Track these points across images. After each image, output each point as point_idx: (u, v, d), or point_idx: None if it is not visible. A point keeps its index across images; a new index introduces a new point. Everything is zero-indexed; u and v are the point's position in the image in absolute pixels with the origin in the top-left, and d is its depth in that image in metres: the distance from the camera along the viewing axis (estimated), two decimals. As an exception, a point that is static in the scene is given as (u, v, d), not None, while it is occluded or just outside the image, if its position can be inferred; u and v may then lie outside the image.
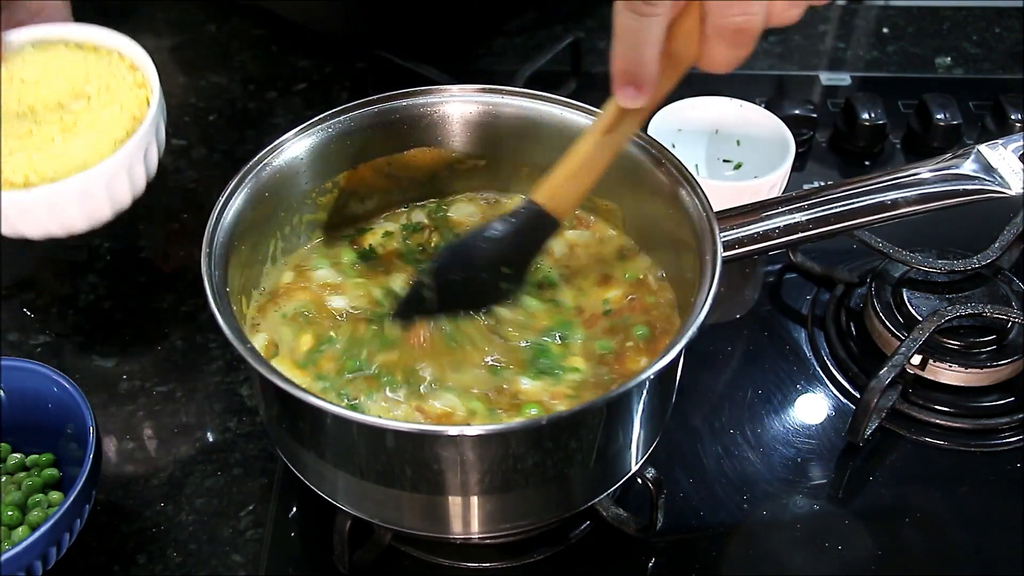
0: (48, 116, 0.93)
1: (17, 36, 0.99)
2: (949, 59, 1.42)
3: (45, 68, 0.97)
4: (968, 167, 0.87)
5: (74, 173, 0.90)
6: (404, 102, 0.91)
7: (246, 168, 0.83)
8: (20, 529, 0.82)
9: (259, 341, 0.83)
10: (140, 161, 0.95)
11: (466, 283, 0.81)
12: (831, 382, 1.00)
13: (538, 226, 0.80)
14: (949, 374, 0.97)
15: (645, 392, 0.74)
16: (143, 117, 0.95)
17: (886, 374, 0.92)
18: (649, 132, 1.00)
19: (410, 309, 0.82)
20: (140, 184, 0.96)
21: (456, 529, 0.76)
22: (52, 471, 0.87)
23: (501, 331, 0.83)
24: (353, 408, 0.78)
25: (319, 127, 0.88)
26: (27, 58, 0.98)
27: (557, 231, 0.82)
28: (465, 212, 0.96)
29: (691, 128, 1.15)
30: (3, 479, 0.86)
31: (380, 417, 0.76)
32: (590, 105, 0.89)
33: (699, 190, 0.81)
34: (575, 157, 0.77)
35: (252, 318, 0.85)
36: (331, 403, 0.68)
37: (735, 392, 0.98)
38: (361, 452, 0.73)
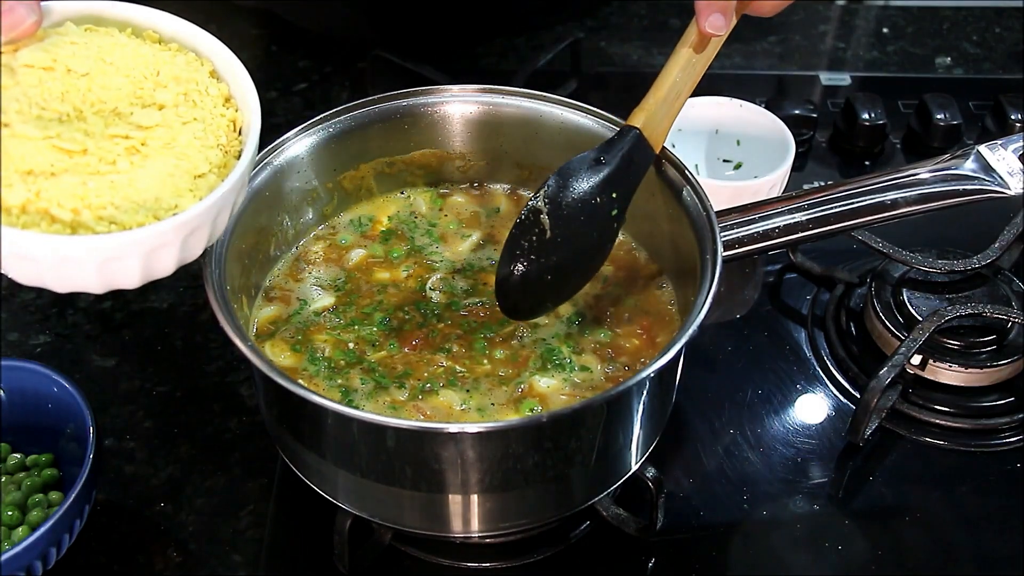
0: (102, 127, 0.68)
1: (60, 6, 0.72)
2: (949, 59, 1.42)
3: (98, 58, 0.71)
4: (968, 167, 0.87)
5: (144, 217, 0.66)
6: (404, 102, 0.91)
7: (246, 168, 0.83)
8: (20, 529, 0.82)
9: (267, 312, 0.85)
10: (229, 207, 0.71)
11: (581, 207, 0.79)
12: (831, 382, 1.00)
13: (639, 154, 0.81)
14: (949, 374, 0.97)
15: (645, 391, 0.74)
16: (233, 146, 0.72)
17: (886, 374, 0.92)
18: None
19: (524, 234, 0.79)
20: (217, 234, 0.72)
21: (456, 528, 0.76)
22: (52, 471, 0.87)
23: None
24: (348, 400, 0.78)
25: (319, 127, 0.88)
26: (74, 40, 0.71)
27: (652, 162, 0.82)
28: (460, 202, 0.96)
29: (691, 128, 1.15)
30: (3, 479, 0.86)
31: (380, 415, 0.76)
32: (590, 105, 0.89)
33: (699, 190, 0.81)
34: (666, 82, 0.80)
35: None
36: (331, 401, 0.68)
37: (735, 392, 0.98)
38: (361, 450, 0.73)
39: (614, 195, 0.80)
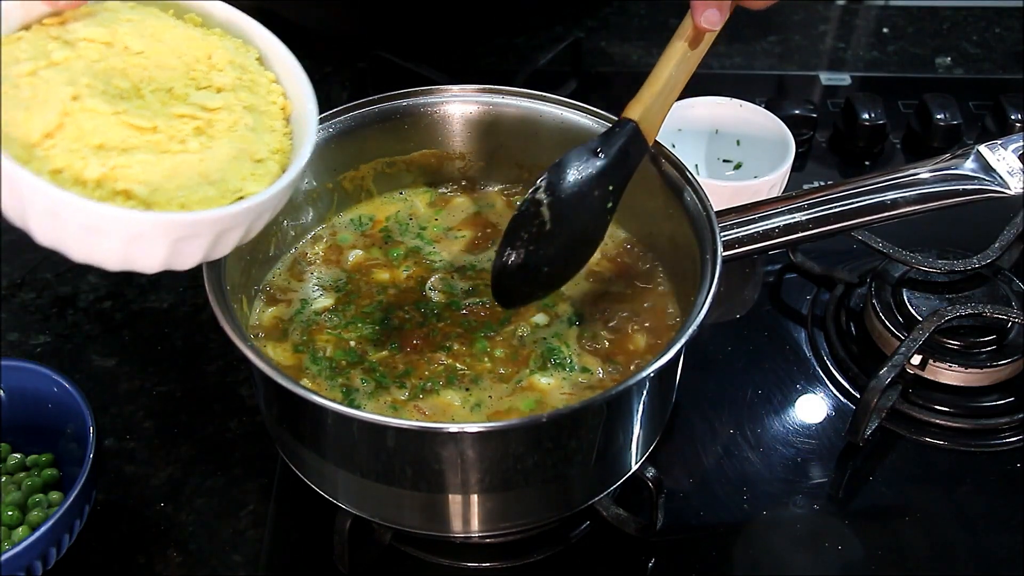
0: (160, 106, 0.67)
1: None
2: (949, 59, 1.42)
3: (152, 37, 0.69)
4: (967, 167, 0.87)
5: (213, 198, 0.64)
6: (404, 102, 0.91)
7: (246, 168, 0.83)
8: (20, 529, 0.82)
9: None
10: (281, 202, 0.69)
11: (580, 199, 0.79)
12: (831, 382, 1.00)
13: (635, 147, 0.81)
14: (949, 374, 0.97)
15: (645, 391, 0.74)
16: (285, 134, 0.71)
17: (886, 374, 0.92)
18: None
19: (524, 225, 0.79)
20: (253, 235, 0.69)
21: (456, 527, 0.76)
22: (52, 471, 0.87)
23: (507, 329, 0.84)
24: (350, 400, 0.78)
25: (319, 127, 0.87)
26: (129, 16, 0.69)
27: (645, 155, 0.82)
28: (460, 203, 0.96)
29: (691, 128, 1.15)
30: (3, 479, 0.86)
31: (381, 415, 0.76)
32: (590, 105, 0.89)
33: (699, 190, 0.81)
34: (661, 76, 0.80)
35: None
36: (331, 401, 0.68)
37: (735, 392, 0.98)
38: (362, 450, 0.73)
39: (610, 188, 0.80)
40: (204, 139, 0.66)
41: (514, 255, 0.78)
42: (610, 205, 0.80)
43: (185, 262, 0.65)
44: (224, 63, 0.71)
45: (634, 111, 0.80)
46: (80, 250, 0.63)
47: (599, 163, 0.79)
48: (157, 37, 0.70)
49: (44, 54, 0.65)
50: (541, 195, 0.78)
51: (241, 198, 0.65)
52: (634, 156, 0.81)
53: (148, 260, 0.63)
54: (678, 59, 0.80)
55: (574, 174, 0.79)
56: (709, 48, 0.81)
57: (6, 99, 0.62)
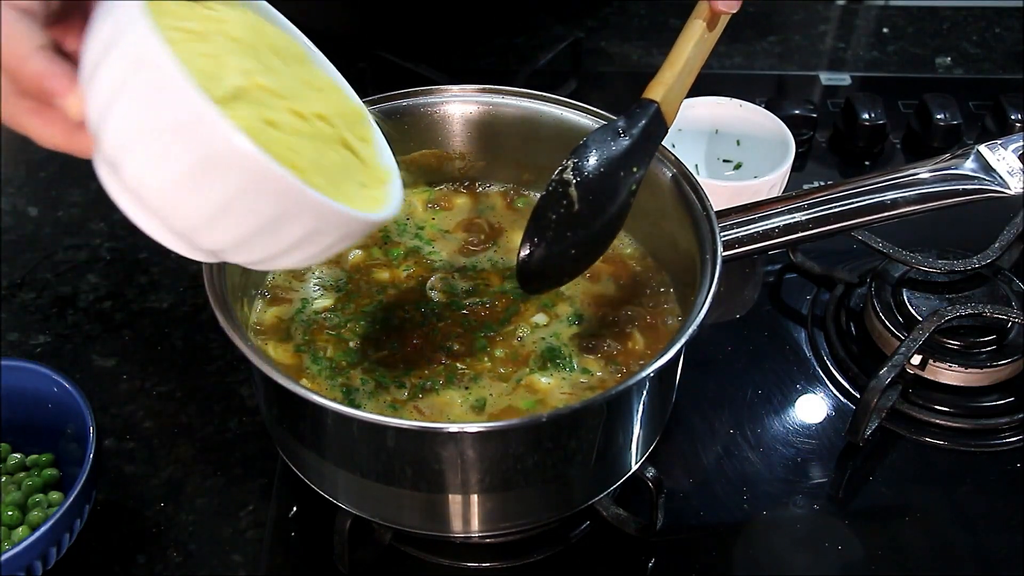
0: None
1: None
2: (949, 59, 1.42)
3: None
4: (967, 167, 0.87)
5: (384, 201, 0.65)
6: (404, 102, 0.91)
7: (246, 168, 0.83)
8: (20, 529, 0.82)
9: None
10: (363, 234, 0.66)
11: (607, 180, 0.79)
12: (831, 382, 1.00)
13: (657, 128, 0.80)
14: (949, 374, 0.97)
15: (645, 391, 0.74)
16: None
17: (886, 374, 0.92)
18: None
19: (552, 207, 0.78)
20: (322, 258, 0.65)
21: (456, 527, 0.76)
22: (52, 471, 0.87)
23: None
24: (350, 400, 0.78)
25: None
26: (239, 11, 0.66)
27: (665, 136, 0.81)
28: (459, 201, 0.96)
29: (691, 128, 1.15)
30: (3, 479, 0.86)
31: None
32: (590, 105, 0.89)
33: (699, 190, 0.81)
34: (681, 57, 0.79)
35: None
36: (331, 401, 0.68)
37: (735, 392, 0.98)
38: (362, 450, 0.73)
39: (634, 169, 0.79)
40: (366, 148, 0.66)
41: (543, 237, 0.77)
42: (634, 188, 0.79)
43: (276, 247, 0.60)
44: (321, 84, 0.69)
45: (656, 92, 0.80)
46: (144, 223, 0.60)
47: (624, 143, 0.78)
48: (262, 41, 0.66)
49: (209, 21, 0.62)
50: (568, 175, 0.77)
51: None
52: (656, 137, 0.80)
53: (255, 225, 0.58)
54: (696, 40, 0.79)
55: (600, 155, 0.78)
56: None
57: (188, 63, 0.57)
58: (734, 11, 0.78)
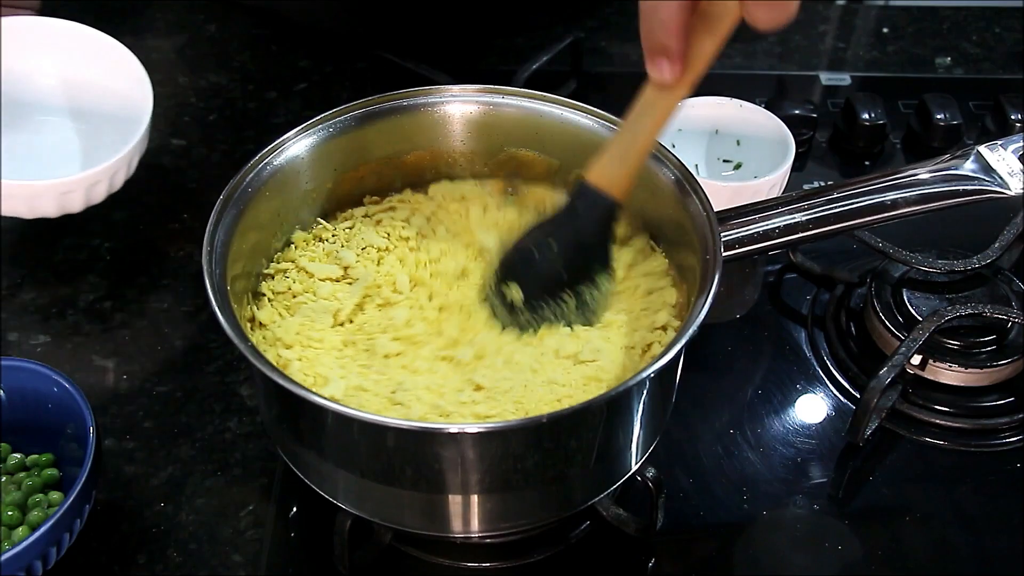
0: None
1: None
2: (949, 59, 1.42)
3: None
4: (967, 168, 0.87)
5: None
6: (404, 102, 0.91)
7: (247, 168, 0.83)
8: (20, 529, 0.82)
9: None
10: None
11: (547, 279, 0.81)
12: (831, 382, 1.00)
13: (600, 209, 0.79)
14: (949, 374, 0.97)
15: (645, 391, 0.74)
16: None
17: (886, 374, 0.92)
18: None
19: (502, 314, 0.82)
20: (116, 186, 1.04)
21: (456, 528, 0.76)
22: (52, 471, 0.87)
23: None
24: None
25: (319, 127, 0.88)
26: None
27: (619, 211, 0.81)
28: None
29: (691, 128, 1.15)
30: (3, 479, 0.86)
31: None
32: (590, 105, 0.89)
33: (699, 190, 0.81)
34: (621, 137, 0.78)
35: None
36: (331, 401, 0.68)
37: (735, 392, 0.98)
38: (361, 450, 0.73)
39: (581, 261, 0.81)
40: None
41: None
42: (599, 267, 0.82)
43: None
44: None
45: (593, 174, 0.79)
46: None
47: (560, 245, 0.80)
48: None
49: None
50: (511, 289, 0.81)
51: None
52: (605, 219, 0.80)
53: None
54: (635, 119, 0.76)
55: (530, 265, 0.81)
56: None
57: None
58: (669, 80, 0.69)
